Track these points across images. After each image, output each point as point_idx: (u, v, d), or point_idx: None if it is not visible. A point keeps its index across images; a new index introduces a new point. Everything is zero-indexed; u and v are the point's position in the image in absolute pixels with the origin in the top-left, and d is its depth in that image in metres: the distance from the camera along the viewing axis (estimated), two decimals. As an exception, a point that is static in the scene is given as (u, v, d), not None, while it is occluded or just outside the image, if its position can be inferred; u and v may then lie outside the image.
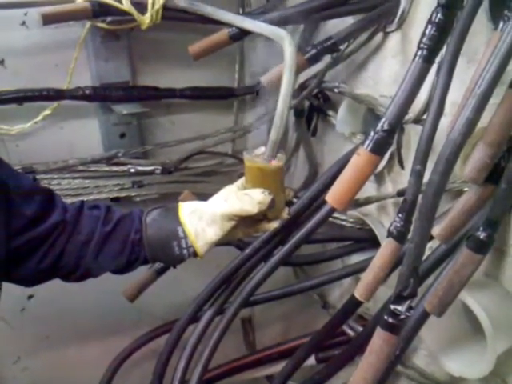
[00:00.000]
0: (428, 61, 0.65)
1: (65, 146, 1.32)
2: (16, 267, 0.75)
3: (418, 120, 0.85)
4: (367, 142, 0.69)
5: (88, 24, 1.17)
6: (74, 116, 1.31)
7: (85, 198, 1.21)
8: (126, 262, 0.80)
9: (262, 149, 0.79)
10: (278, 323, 1.69)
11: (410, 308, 0.56)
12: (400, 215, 0.66)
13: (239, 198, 0.76)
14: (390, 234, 0.68)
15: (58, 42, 1.23)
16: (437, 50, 0.65)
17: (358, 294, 0.69)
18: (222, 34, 1.08)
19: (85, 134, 1.34)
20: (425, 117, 0.83)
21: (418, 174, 0.64)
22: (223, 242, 0.81)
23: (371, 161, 0.68)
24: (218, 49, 1.10)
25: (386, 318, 0.59)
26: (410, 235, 0.62)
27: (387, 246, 0.68)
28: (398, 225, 0.67)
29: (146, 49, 1.33)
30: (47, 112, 1.24)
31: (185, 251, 0.77)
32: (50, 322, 1.41)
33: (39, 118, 1.24)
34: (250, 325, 1.60)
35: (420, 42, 0.65)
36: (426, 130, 0.65)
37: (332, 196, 0.70)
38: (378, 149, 0.68)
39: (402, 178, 1.03)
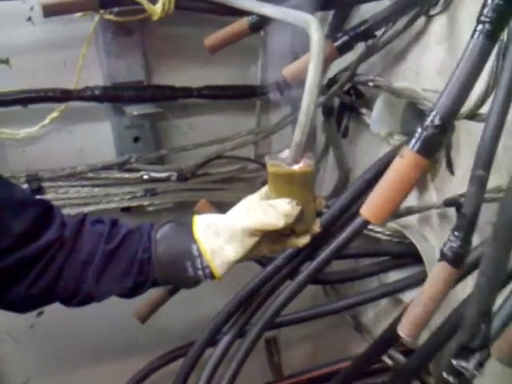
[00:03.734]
0: (491, 37, 0.52)
1: (75, 151, 1.24)
2: (3, 292, 0.66)
3: (472, 115, 0.71)
4: (413, 140, 0.56)
5: (97, 17, 1.08)
6: (85, 119, 1.23)
7: (93, 208, 1.12)
8: (132, 285, 0.71)
9: (287, 152, 0.68)
10: (306, 344, 1.57)
11: (479, 364, 0.41)
12: (456, 233, 0.53)
13: (262, 210, 0.67)
14: (443, 257, 0.54)
15: (66, 38, 1.15)
16: (502, 23, 0.52)
17: (404, 332, 0.55)
18: (241, 23, 0.97)
19: (96, 139, 1.26)
20: (482, 111, 0.70)
21: (479, 182, 0.51)
22: (244, 260, 0.71)
23: (418, 164, 0.55)
24: (237, 40, 0.99)
25: (445, 376, 0.45)
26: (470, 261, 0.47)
27: (440, 272, 0.54)
28: (454, 245, 0.53)
29: (161, 45, 1.23)
30: (55, 114, 1.16)
31: (200, 272, 0.68)
32: (60, 340, 1.33)
33: (46, 121, 1.16)
34: (275, 345, 1.47)
35: (480, 14, 0.52)
36: (490, 126, 0.51)
37: (368, 209, 0.57)
38: (427, 149, 0.55)
39: (449, 186, 0.89)
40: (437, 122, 0.54)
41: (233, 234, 0.67)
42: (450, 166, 0.81)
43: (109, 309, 1.15)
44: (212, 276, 0.69)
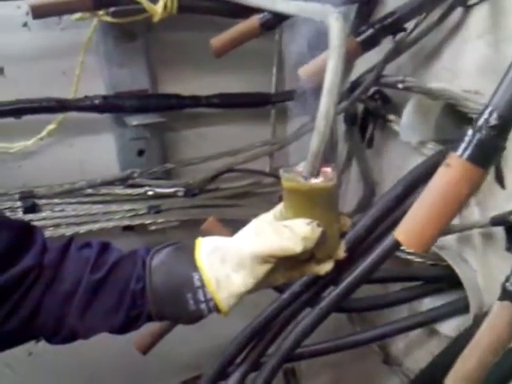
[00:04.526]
0: None
1: (75, 165, 1.17)
2: None
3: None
4: (463, 146, 0.44)
5: (95, 21, 0.99)
6: (85, 131, 1.16)
7: (91, 227, 1.04)
8: (124, 320, 0.62)
9: (305, 164, 0.59)
10: (328, 375, 1.45)
11: None
12: (524, 265, 0.40)
13: (277, 233, 0.58)
14: (505, 295, 0.42)
15: (65, 45, 1.09)
16: None
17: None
18: (251, 21, 0.87)
19: (98, 152, 1.19)
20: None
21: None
22: (256, 290, 0.61)
23: (471, 176, 0.43)
24: (247, 40, 0.89)
25: None
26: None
27: (502, 315, 0.42)
28: (523, 281, 0.40)
29: (167, 51, 1.17)
30: (52, 126, 1.09)
31: (203, 306, 0.60)
32: (61, 369, 1.25)
33: (44, 133, 1.09)
34: (293, 377, 1.35)
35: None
36: None
37: (406, 233, 0.45)
38: (482, 156, 0.43)
39: (494, 201, 0.76)
40: (493, 121, 0.43)
41: (242, 261, 0.58)
42: (499, 178, 0.69)
43: (113, 337, 1.07)
44: (217, 310, 0.60)
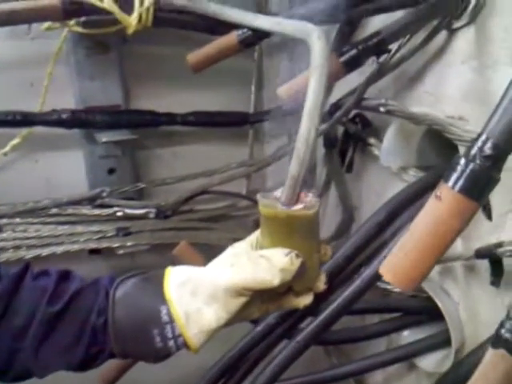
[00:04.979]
0: None
1: (40, 183, 1.11)
2: None
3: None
4: (454, 176, 0.41)
5: (65, 31, 0.95)
6: (53, 146, 1.10)
7: (55, 250, 0.97)
8: (83, 358, 0.57)
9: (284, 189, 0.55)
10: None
11: None
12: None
13: (252, 263, 0.55)
14: (500, 342, 0.38)
15: (34, 55, 1.04)
16: None
17: None
18: (229, 37, 0.83)
19: (66, 169, 1.12)
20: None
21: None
22: (230, 325, 0.57)
23: (463, 209, 0.40)
24: (225, 57, 0.85)
25: None
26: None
27: (495, 363, 0.38)
28: (520, 327, 0.37)
29: (142, 65, 1.12)
30: (16, 141, 1.02)
31: (171, 343, 0.55)
32: None
33: (7, 148, 1.03)
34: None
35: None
36: None
37: (393, 270, 0.41)
38: (476, 189, 0.40)
39: (478, 232, 0.73)
40: (488, 150, 0.39)
41: (214, 294, 0.54)
42: (487, 209, 0.66)
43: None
44: (187, 347, 0.55)
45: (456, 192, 0.40)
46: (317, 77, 0.55)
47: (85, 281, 0.60)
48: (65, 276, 0.59)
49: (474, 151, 0.40)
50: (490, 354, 0.39)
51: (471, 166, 0.40)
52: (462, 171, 0.40)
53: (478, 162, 0.39)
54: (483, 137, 0.40)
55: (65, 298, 0.57)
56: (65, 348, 0.56)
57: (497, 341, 0.39)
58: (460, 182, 0.40)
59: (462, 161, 0.40)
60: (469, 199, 0.40)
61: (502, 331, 0.38)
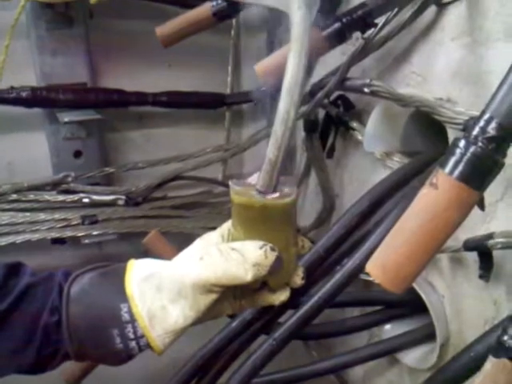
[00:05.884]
0: None
1: (1, 166, 1.04)
2: None
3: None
4: (452, 161, 0.36)
5: (22, 1, 0.86)
6: (13, 127, 1.03)
7: (14, 239, 0.91)
8: (34, 360, 0.53)
9: (259, 175, 0.51)
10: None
11: None
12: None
13: (223, 257, 0.51)
14: (502, 351, 0.33)
15: None
16: None
17: None
18: (203, 9, 0.77)
19: (28, 152, 1.06)
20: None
21: None
22: (198, 323, 0.54)
23: (462, 198, 0.35)
24: (198, 31, 0.80)
25: None
26: None
27: (497, 373, 0.33)
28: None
29: (111, 41, 1.06)
30: (-28, 121, 0.93)
31: (132, 344, 0.51)
32: None
33: (-38, 129, 0.94)
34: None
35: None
36: None
37: (382, 268, 0.36)
38: (478, 175, 0.35)
39: (467, 222, 0.68)
40: (492, 131, 0.34)
41: (181, 290, 0.51)
42: (480, 199, 0.61)
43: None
44: (150, 347, 0.51)
45: (454, 179, 0.35)
46: (296, 50, 0.49)
47: (36, 275, 0.55)
48: (14, 270, 0.54)
49: (475, 132, 0.35)
50: (492, 363, 0.35)
51: (472, 148, 0.35)
52: (462, 155, 0.35)
53: (480, 144, 0.35)
54: (486, 115, 0.35)
55: (13, 294, 0.52)
56: (13, 349, 0.52)
57: (498, 350, 0.34)
58: (459, 168, 0.35)
59: (462, 143, 0.35)
60: (469, 188, 0.35)
61: (505, 338, 0.34)
